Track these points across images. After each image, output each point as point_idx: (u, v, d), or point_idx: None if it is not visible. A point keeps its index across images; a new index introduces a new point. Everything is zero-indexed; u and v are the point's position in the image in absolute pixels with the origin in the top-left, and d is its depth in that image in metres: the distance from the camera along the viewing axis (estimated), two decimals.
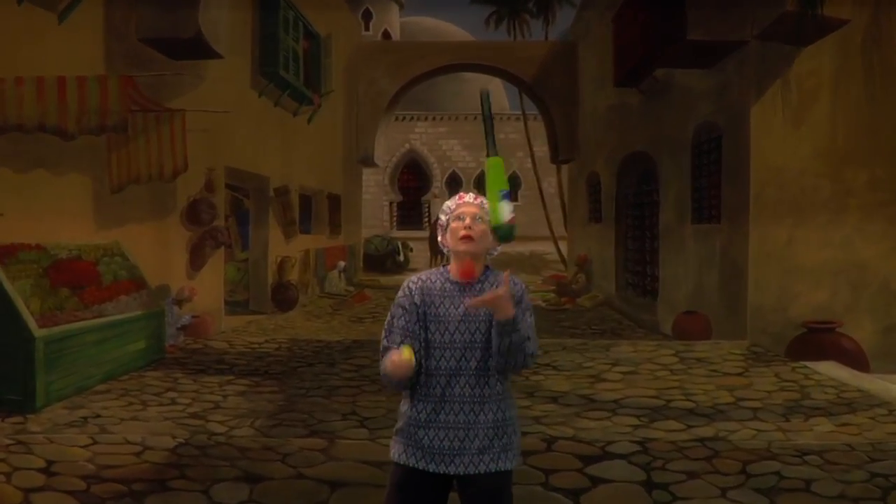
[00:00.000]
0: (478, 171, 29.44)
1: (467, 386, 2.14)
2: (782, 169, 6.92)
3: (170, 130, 6.13)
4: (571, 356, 6.28)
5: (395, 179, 30.08)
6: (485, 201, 2.22)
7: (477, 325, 2.14)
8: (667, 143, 9.29)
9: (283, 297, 10.80)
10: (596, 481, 3.69)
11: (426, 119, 29.96)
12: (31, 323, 4.67)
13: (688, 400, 4.88)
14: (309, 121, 12.19)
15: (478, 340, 2.14)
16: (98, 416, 4.45)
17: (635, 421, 4.39)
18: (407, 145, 29.95)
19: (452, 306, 2.17)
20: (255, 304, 10.84)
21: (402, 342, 2.15)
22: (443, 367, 2.15)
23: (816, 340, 6.28)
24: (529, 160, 22.21)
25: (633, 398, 4.92)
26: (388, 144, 24.52)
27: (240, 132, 9.18)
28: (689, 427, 4.25)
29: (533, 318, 2.19)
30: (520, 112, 22.24)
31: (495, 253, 2.27)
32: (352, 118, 15.48)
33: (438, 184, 29.82)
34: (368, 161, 16.27)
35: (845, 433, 4.12)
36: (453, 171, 30.03)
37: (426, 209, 29.75)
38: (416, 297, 2.20)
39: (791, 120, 6.89)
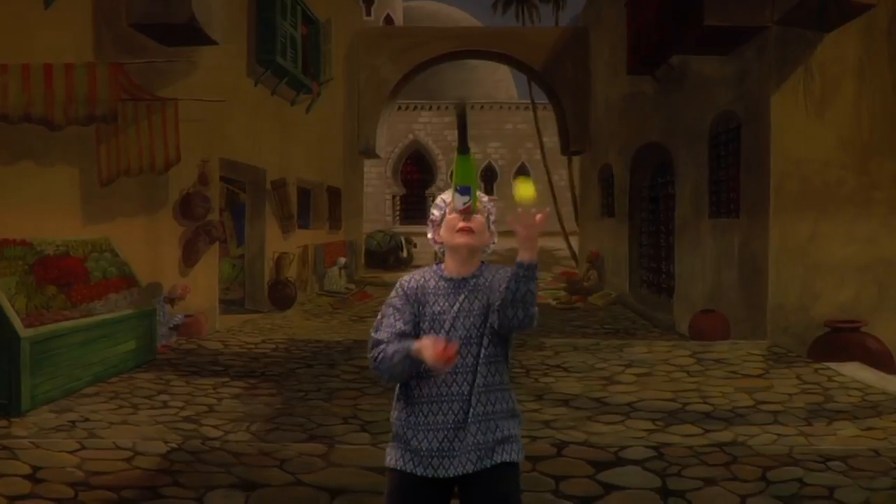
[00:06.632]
0: (485, 163, 29.32)
1: (465, 384, 2.10)
2: (804, 160, 6.83)
3: (162, 120, 6.10)
4: (583, 357, 6.22)
5: (397, 171, 29.92)
6: (483, 194, 2.23)
7: (472, 320, 2.12)
8: (683, 134, 9.24)
9: (280, 296, 10.72)
10: (609, 488, 3.63)
11: (430, 108, 29.88)
12: (17, 322, 4.59)
13: (705, 403, 4.83)
14: (307, 110, 12.13)
15: (474, 336, 2.11)
16: (86, 419, 4.41)
17: (650, 425, 4.34)
18: (410, 136, 29.85)
19: (447, 304, 2.14)
20: (251, 303, 10.78)
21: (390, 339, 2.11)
22: None
23: (840, 340, 6.20)
24: (539, 152, 22.07)
25: (648, 401, 4.87)
26: (391, 135, 24.37)
27: (235, 122, 9.13)
28: (707, 431, 4.21)
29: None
30: (528, 101, 22.10)
31: (489, 250, 2.26)
32: (352, 107, 15.44)
33: (443, 176, 29.64)
34: (370, 152, 16.21)
35: (871, 438, 4.07)
36: None
37: (430, 203, 29.65)
38: (409, 296, 2.18)
39: (813, 109, 6.80)
